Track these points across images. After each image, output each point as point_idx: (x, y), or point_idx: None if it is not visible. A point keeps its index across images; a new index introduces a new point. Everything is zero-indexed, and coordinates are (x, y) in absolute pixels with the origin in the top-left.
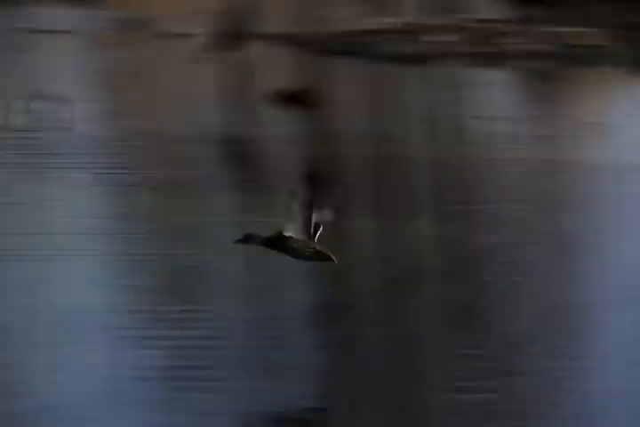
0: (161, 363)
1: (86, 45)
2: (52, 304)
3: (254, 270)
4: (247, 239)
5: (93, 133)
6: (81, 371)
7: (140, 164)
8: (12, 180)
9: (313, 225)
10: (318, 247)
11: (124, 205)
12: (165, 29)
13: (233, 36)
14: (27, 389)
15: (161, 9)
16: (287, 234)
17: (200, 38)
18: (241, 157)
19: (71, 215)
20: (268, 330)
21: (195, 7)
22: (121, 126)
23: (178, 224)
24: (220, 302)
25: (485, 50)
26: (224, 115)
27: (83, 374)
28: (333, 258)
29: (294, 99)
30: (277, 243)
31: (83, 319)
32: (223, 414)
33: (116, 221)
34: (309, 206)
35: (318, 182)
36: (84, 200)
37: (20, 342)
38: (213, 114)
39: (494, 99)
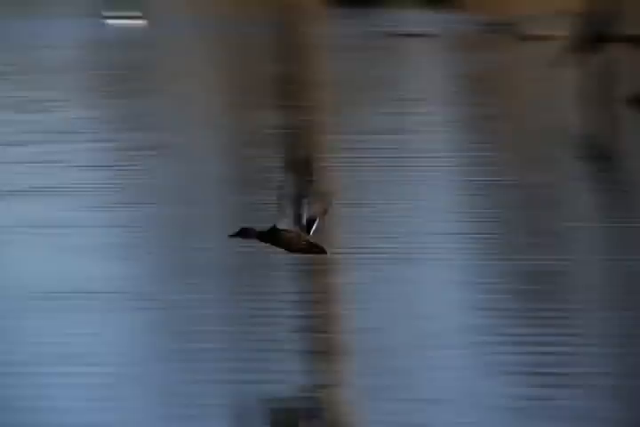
0: (528, 368)
1: (448, 48)
2: (420, 306)
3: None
4: (242, 233)
5: (461, 136)
6: (453, 369)
7: (507, 164)
8: (384, 182)
9: (307, 218)
10: (312, 240)
11: (487, 206)
12: (526, 31)
13: (595, 37)
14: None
15: (519, 10)
16: (281, 227)
17: (561, 40)
18: (600, 158)
19: (438, 218)
20: None
21: (555, 8)
22: (485, 128)
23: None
24: (585, 305)
25: None
26: (584, 116)
27: (454, 373)
28: (326, 250)
29: None
30: (271, 236)
31: (449, 321)
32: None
33: (477, 223)
34: (298, 199)
35: (304, 174)
36: (451, 202)
37: (398, 345)
38: (573, 115)
39: None
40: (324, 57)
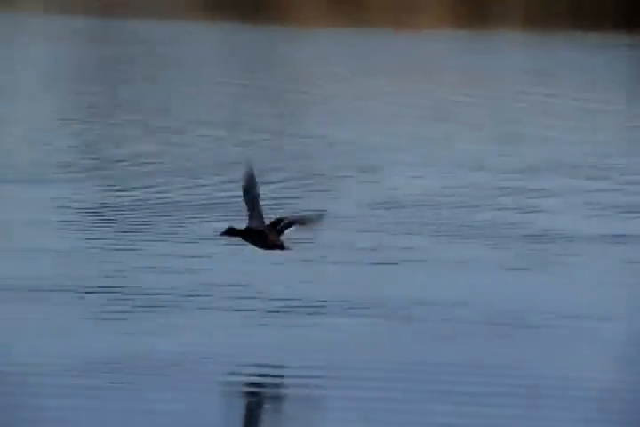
0: None
1: None
2: None
3: None
4: (228, 232)
5: None
6: None
7: None
8: None
9: (285, 222)
10: (275, 238)
11: None
12: None
13: None
14: None
15: None
16: (254, 227)
17: None
18: None
19: None
20: None
21: None
22: None
23: None
24: None
25: None
26: None
27: None
28: (289, 247)
29: None
30: (246, 235)
31: None
32: None
33: None
34: (253, 202)
35: (254, 179)
36: None
37: None
38: None
39: None
40: None
